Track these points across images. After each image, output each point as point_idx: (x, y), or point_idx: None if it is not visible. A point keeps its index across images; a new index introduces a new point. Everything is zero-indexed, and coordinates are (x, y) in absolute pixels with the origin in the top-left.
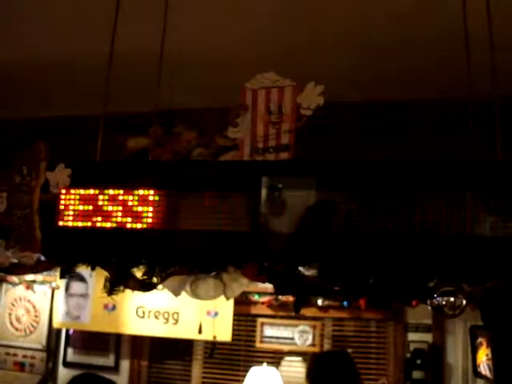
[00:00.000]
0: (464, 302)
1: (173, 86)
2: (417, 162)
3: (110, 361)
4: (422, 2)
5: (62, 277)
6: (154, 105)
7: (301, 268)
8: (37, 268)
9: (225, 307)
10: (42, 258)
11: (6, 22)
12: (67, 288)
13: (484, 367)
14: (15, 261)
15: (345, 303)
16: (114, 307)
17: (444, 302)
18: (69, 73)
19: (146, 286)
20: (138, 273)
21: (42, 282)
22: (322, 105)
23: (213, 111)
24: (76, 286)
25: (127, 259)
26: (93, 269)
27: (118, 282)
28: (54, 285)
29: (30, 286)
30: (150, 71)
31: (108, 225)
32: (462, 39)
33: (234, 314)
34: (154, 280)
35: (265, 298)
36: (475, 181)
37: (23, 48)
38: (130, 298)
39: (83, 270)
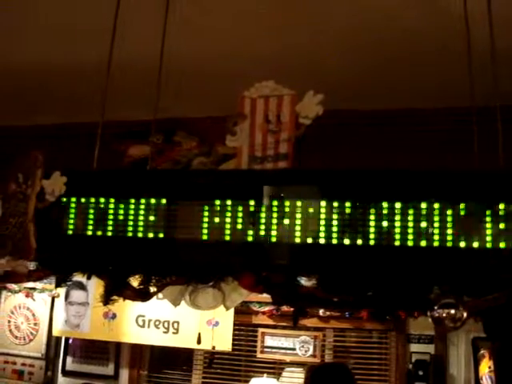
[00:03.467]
0: (465, 314)
1: (173, 94)
2: (418, 174)
3: (109, 370)
4: (425, 11)
5: (57, 286)
6: (154, 113)
7: (299, 279)
8: (32, 276)
9: (225, 317)
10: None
11: (5, 29)
12: (67, 296)
13: (486, 379)
14: (9, 269)
15: (346, 313)
16: (114, 316)
17: (444, 315)
18: (69, 80)
19: (142, 295)
20: (135, 282)
21: (42, 290)
22: (320, 114)
23: (213, 119)
24: (76, 295)
25: (124, 268)
26: (89, 278)
27: (114, 291)
28: (53, 293)
29: (29, 293)
30: (150, 79)
31: (105, 233)
32: (465, 49)
33: (235, 324)
34: (151, 289)
35: (266, 308)
36: (477, 192)
37: (22, 55)
38: (131, 307)
39: (83, 278)
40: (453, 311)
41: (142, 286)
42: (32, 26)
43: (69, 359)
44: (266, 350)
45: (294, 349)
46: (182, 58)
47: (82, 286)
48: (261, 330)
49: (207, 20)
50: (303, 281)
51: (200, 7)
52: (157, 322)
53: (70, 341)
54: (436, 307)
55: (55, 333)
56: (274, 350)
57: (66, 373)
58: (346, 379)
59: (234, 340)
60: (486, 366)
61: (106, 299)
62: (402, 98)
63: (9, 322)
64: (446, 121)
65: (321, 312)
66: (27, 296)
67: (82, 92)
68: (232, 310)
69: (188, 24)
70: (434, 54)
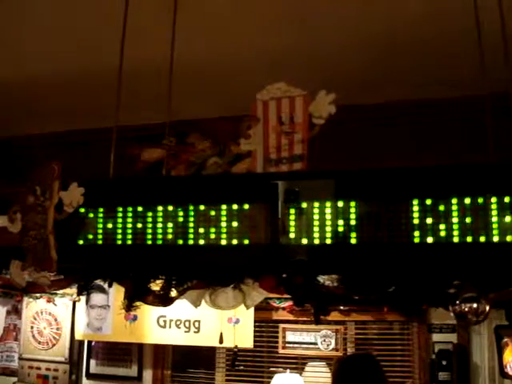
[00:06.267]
0: (487, 307)
1: (184, 95)
2: (437, 169)
3: (132, 371)
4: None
5: (79, 293)
6: (168, 115)
7: (319, 278)
8: (54, 286)
9: (246, 314)
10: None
11: (16, 39)
12: (88, 300)
13: (511, 367)
14: (31, 280)
15: None
16: (135, 317)
17: (467, 309)
18: (81, 88)
19: (164, 300)
20: (156, 287)
21: (63, 295)
22: (333, 113)
23: (226, 120)
24: (97, 298)
25: (144, 274)
26: (110, 285)
27: (136, 297)
28: (74, 297)
29: (50, 298)
30: (162, 82)
31: (125, 241)
32: (476, 37)
33: (256, 321)
34: (172, 294)
35: (286, 304)
36: (496, 185)
37: (35, 64)
38: (151, 308)
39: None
40: (475, 305)
41: (162, 292)
42: (41, 34)
43: (92, 362)
44: (287, 345)
45: (315, 343)
46: (191, 59)
47: (102, 289)
48: (282, 325)
49: (217, 20)
50: (323, 280)
51: (208, 8)
52: (178, 322)
53: (93, 344)
54: (458, 302)
55: (78, 336)
56: (295, 346)
57: (90, 376)
58: (373, 369)
59: (255, 337)
60: (510, 354)
61: (129, 305)
62: (411, 89)
63: (31, 327)
64: (458, 110)
65: (341, 306)
66: (48, 301)
67: (95, 98)
68: (252, 307)
69: (197, 25)
70: (443, 42)
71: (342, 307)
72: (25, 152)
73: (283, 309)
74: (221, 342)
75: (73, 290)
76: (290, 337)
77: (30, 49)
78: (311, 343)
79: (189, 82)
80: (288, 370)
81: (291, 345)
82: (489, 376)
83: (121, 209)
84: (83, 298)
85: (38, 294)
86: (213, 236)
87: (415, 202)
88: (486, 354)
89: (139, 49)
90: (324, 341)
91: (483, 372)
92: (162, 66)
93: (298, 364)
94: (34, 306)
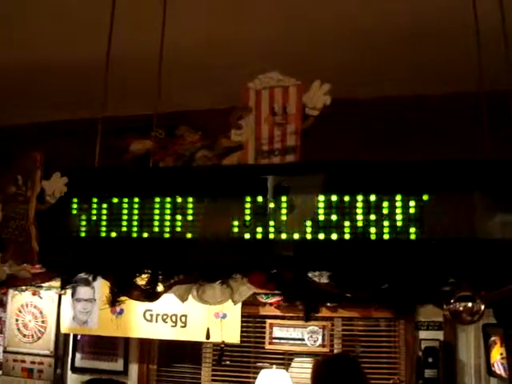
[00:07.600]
0: (482, 307)
1: (174, 87)
2: (426, 164)
3: (118, 365)
4: None
5: (63, 288)
6: (155, 107)
7: (310, 275)
8: (37, 279)
9: (233, 309)
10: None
11: (4, 26)
12: (74, 293)
13: (498, 366)
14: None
15: None
16: (121, 311)
17: (461, 308)
18: (68, 77)
19: (149, 295)
20: (141, 281)
21: (49, 288)
22: (328, 104)
23: (216, 112)
24: (82, 291)
25: (129, 268)
26: (94, 279)
27: (120, 292)
28: (60, 290)
29: (36, 291)
30: (151, 73)
31: (109, 234)
32: (473, 32)
33: (243, 316)
34: (158, 289)
35: (273, 299)
36: (487, 182)
37: (21, 53)
38: (138, 302)
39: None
40: (470, 304)
41: (148, 286)
42: (30, 23)
43: (78, 356)
44: (274, 341)
45: (302, 339)
46: (182, 49)
47: (88, 283)
48: (269, 321)
49: (206, 10)
50: (314, 276)
51: None
52: (164, 316)
53: (79, 337)
54: (452, 300)
55: (63, 330)
56: (282, 341)
57: (75, 369)
58: (352, 370)
59: (242, 332)
60: (497, 353)
61: (113, 300)
62: (407, 84)
63: (17, 320)
64: (454, 107)
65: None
66: (34, 294)
67: (82, 88)
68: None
69: (187, 15)
70: (441, 37)
71: (328, 303)
72: (8, 142)
73: (270, 304)
74: (207, 337)
75: (58, 283)
76: (277, 332)
77: (15, 38)
78: (298, 339)
79: (179, 73)
80: (274, 366)
81: (278, 340)
82: (475, 373)
83: (105, 200)
84: (69, 291)
85: (23, 287)
86: (200, 230)
87: (408, 197)
88: (473, 351)
89: (128, 38)
90: (311, 337)
91: (469, 369)
92: (151, 56)
93: (284, 360)
94: (19, 299)
